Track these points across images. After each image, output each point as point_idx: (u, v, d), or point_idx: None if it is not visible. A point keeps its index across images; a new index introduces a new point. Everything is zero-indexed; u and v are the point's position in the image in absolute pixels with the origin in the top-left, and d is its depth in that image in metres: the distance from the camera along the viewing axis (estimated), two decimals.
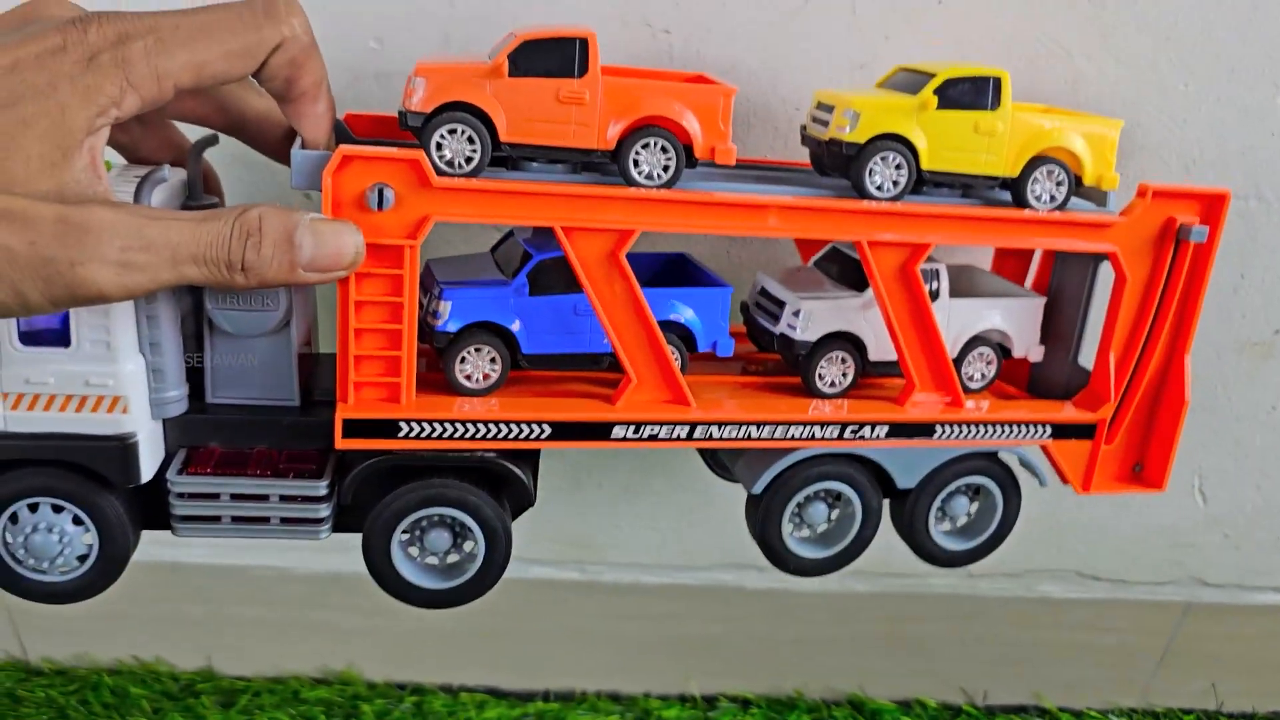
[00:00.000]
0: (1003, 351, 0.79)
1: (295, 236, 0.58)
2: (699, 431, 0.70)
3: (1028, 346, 0.79)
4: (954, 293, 0.76)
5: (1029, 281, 0.85)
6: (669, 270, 0.80)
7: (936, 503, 0.77)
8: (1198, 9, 0.83)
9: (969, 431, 0.74)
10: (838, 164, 0.72)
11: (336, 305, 0.63)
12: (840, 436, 0.72)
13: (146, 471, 0.63)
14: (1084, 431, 0.77)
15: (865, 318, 0.74)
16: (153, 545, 0.67)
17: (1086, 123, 0.74)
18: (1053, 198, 0.73)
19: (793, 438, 0.71)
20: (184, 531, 0.66)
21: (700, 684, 1.16)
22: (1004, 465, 0.78)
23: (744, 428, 0.70)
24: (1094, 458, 0.78)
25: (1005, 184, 0.73)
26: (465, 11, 0.82)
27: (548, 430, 0.67)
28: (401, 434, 0.65)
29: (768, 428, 0.71)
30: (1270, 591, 1.08)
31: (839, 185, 0.72)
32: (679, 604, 1.08)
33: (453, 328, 0.68)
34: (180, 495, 0.65)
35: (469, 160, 0.64)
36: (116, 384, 0.61)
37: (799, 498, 0.74)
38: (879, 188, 0.70)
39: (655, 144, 0.66)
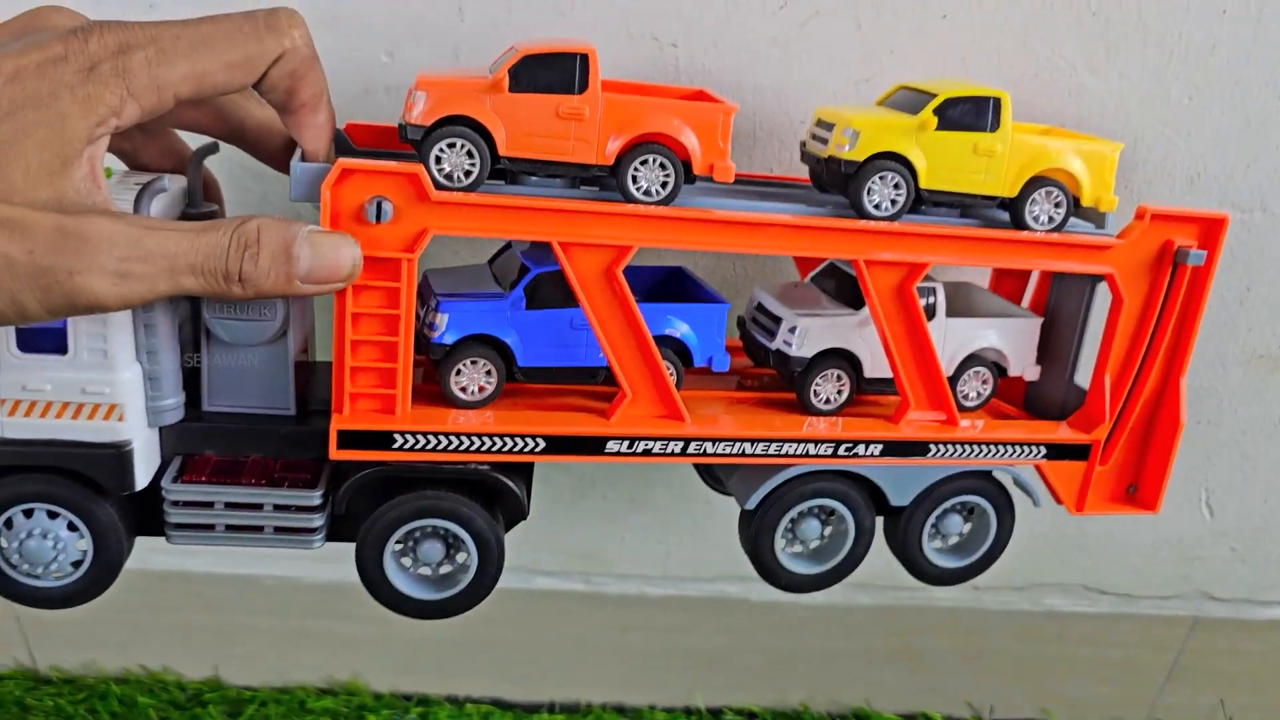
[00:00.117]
0: (998, 370, 0.79)
1: (293, 248, 0.58)
2: (693, 447, 0.70)
3: (1024, 366, 0.80)
4: (951, 311, 0.76)
5: (1027, 300, 0.85)
6: (666, 283, 0.80)
7: (930, 521, 0.77)
8: (1201, 23, 0.83)
9: (963, 451, 0.74)
10: (836, 182, 0.72)
11: (334, 316, 0.63)
12: (834, 454, 0.72)
13: (142, 479, 0.63)
14: (1078, 452, 0.77)
15: (861, 335, 0.74)
16: (161, 554, 0.67)
17: (1086, 144, 0.74)
18: (1051, 219, 0.73)
19: (787, 454, 0.72)
20: (178, 539, 0.66)
21: (705, 697, 1.15)
22: (998, 484, 0.78)
23: (738, 444, 0.71)
24: (1088, 478, 0.78)
25: (1004, 204, 0.73)
26: (475, 26, 0.82)
27: (542, 444, 0.67)
28: (396, 446, 0.65)
29: (761, 444, 0.71)
30: (1278, 606, 1.07)
31: (838, 203, 0.72)
32: (684, 616, 1.08)
33: (449, 340, 0.68)
34: (175, 503, 0.65)
35: (468, 174, 0.64)
36: (113, 392, 0.61)
37: (792, 514, 0.75)
38: (877, 206, 0.70)
39: (654, 160, 0.66)
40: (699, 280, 0.78)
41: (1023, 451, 0.76)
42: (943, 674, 1.13)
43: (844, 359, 0.75)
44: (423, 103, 0.63)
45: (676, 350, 0.72)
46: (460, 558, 0.70)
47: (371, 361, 0.64)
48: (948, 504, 0.77)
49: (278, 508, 0.66)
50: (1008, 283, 0.85)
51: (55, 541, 0.64)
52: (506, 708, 1.15)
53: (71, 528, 0.64)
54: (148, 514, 0.66)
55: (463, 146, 0.64)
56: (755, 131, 0.86)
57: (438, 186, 0.62)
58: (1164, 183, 0.89)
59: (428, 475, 0.67)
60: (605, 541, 1.04)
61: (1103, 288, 0.76)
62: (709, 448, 0.70)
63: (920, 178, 0.71)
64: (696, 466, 0.90)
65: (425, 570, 0.70)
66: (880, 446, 0.73)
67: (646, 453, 0.69)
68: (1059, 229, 0.73)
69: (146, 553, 0.68)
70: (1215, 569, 1.05)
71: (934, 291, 0.75)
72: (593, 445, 0.68)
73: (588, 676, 1.13)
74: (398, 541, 0.69)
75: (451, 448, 0.66)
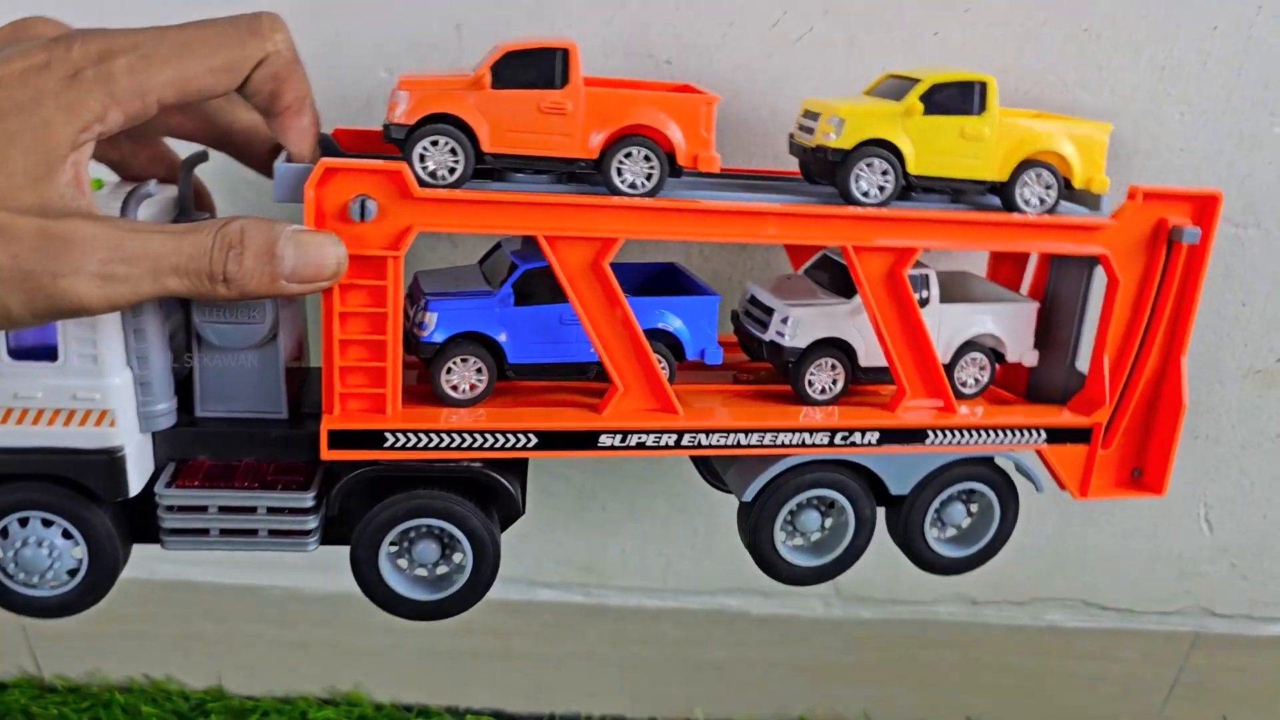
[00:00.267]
0: (996, 357, 0.78)
1: (277, 248, 0.58)
2: (687, 439, 0.69)
3: (1021, 351, 0.79)
4: (946, 298, 0.76)
5: (1025, 288, 0.84)
6: (658, 280, 0.80)
7: (931, 510, 0.77)
8: (1193, 38, 0.83)
9: (962, 437, 0.73)
10: (824, 171, 0.72)
11: (321, 317, 0.63)
12: (831, 443, 0.72)
13: (135, 485, 0.63)
14: (1079, 436, 0.76)
15: (855, 324, 0.74)
16: (165, 564, 0.68)
17: (1075, 126, 0.73)
18: (1042, 201, 0.72)
19: (783, 444, 0.71)
20: (173, 545, 0.66)
21: (705, 709, 1.15)
22: (1000, 471, 0.77)
23: (733, 435, 0.70)
24: (1090, 462, 0.77)
25: (994, 189, 0.72)
26: (472, 43, 0.83)
27: (534, 440, 0.67)
28: (387, 445, 0.65)
29: (757, 434, 0.70)
30: None
31: (826, 193, 0.72)
32: (684, 629, 1.08)
33: (439, 338, 0.68)
34: (169, 508, 0.65)
35: (452, 171, 0.64)
36: (104, 398, 0.61)
37: (791, 505, 0.74)
38: (865, 194, 0.70)
39: (638, 153, 0.66)
40: (691, 275, 0.78)
41: (1023, 436, 0.75)
42: (943, 688, 1.12)
43: (838, 348, 0.74)
44: (405, 102, 0.64)
45: (668, 344, 0.72)
46: (456, 558, 0.69)
47: (360, 361, 0.65)
48: (949, 492, 0.76)
49: (271, 510, 0.66)
50: (1005, 270, 0.85)
51: (50, 550, 0.64)
52: (507, 719, 1.15)
53: (66, 536, 0.64)
54: (143, 521, 0.67)
55: (446, 144, 0.64)
56: (750, 147, 0.86)
57: (421, 184, 0.63)
58: None
59: (420, 474, 0.67)
60: (605, 553, 1.04)
61: (1100, 272, 0.76)
62: (703, 439, 0.70)
63: (908, 164, 0.70)
64: (695, 463, 0.89)
65: (421, 571, 0.70)
66: (877, 434, 0.72)
67: (640, 446, 0.69)
68: (1051, 211, 0.72)
69: (150, 562, 0.68)
70: (1216, 584, 1.05)
71: (927, 278, 0.74)
72: (585, 440, 0.68)
73: (588, 688, 1.13)
74: (392, 543, 0.68)
75: (443, 445, 0.66)
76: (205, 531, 0.66)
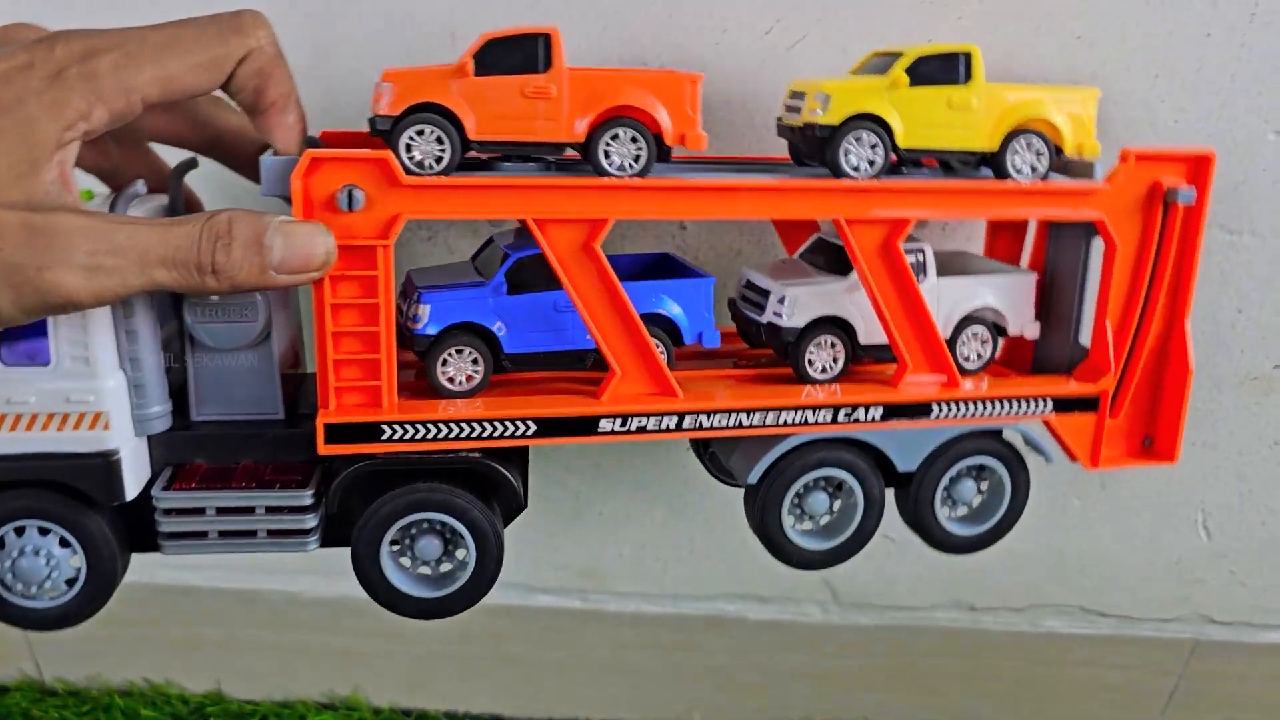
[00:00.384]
0: (998, 331, 0.77)
1: (265, 238, 0.58)
2: (688, 421, 0.69)
3: (1022, 324, 0.78)
4: (943, 274, 0.75)
5: (1024, 264, 0.84)
6: (653, 270, 0.79)
7: (941, 488, 0.75)
8: (1187, 45, 0.83)
9: (967, 409, 0.72)
10: (813, 149, 0.72)
11: (313, 310, 0.63)
12: (834, 420, 0.71)
13: (131, 489, 0.63)
14: (1087, 404, 0.75)
15: (853, 301, 0.73)
16: (165, 569, 0.67)
17: (1063, 93, 0.73)
18: (1034, 169, 0.72)
19: (785, 424, 0.70)
20: (171, 549, 0.65)
21: (703, 715, 1.14)
22: (1008, 444, 0.76)
23: (734, 415, 0.69)
24: (1100, 431, 0.76)
25: (985, 160, 0.72)
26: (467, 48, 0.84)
27: (533, 427, 0.66)
28: (384, 437, 0.65)
29: (759, 414, 0.69)
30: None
31: (817, 174, 0.72)
32: (681, 634, 1.08)
33: (432, 330, 0.68)
34: (166, 511, 0.64)
35: (439, 160, 0.64)
36: (97, 400, 0.61)
37: (797, 487, 0.73)
38: (855, 169, 0.69)
39: (625, 134, 0.66)
40: (686, 263, 0.78)
41: (1029, 406, 0.74)
42: (941, 695, 1.11)
43: (837, 326, 0.73)
44: (389, 93, 0.64)
45: (666, 329, 0.72)
46: (460, 554, 0.68)
47: (354, 353, 0.64)
48: (959, 468, 0.75)
49: (270, 510, 0.65)
50: (1002, 245, 0.84)
51: (48, 559, 0.63)
52: None
53: (64, 544, 0.63)
54: (141, 529, 0.66)
55: (432, 133, 0.64)
56: (746, 151, 0.86)
57: (408, 173, 0.62)
58: None
59: (419, 467, 0.66)
60: (603, 559, 1.04)
61: (1099, 244, 0.75)
62: (704, 421, 0.69)
63: (897, 137, 0.70)
64: (700, 456, 0.88)
65: (424, 569, 0.69)
66: (881, 410, 0.71)
67: (641, 430, 0.68)
68: (1044, 179, 0.72)
69: (150, 567, 0.67)
70: (1215, 592, 1.04)
71: (922, 252, 0.74)
72: (585, 425, 0.67)
73: (586, 693, 1.12)
74: (393, 542, 0.67)
75: (441, 436, 0.65)
76: (204, 534, 0.65)
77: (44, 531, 0.63)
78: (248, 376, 0.66)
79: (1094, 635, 1.07)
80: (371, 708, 1.15)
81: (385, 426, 0.64)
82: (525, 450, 0.74)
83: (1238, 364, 0.93)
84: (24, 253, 0.52)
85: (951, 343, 0.75)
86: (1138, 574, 1.03)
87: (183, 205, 0.67)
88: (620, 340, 0.67)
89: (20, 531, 0.63)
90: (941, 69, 0.71)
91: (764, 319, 0.74)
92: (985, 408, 0.73)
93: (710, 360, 0.79)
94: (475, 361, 0.68)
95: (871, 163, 0.69)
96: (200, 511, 0.64)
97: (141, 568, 0.67)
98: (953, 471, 0.75)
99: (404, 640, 1.08)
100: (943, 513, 0.77)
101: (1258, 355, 0.93)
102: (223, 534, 0.65)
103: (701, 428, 0.69)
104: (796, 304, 0.72)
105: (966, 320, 0.76)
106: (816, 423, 0.71)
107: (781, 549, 0.74)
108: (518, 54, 0.64)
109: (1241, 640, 1.06)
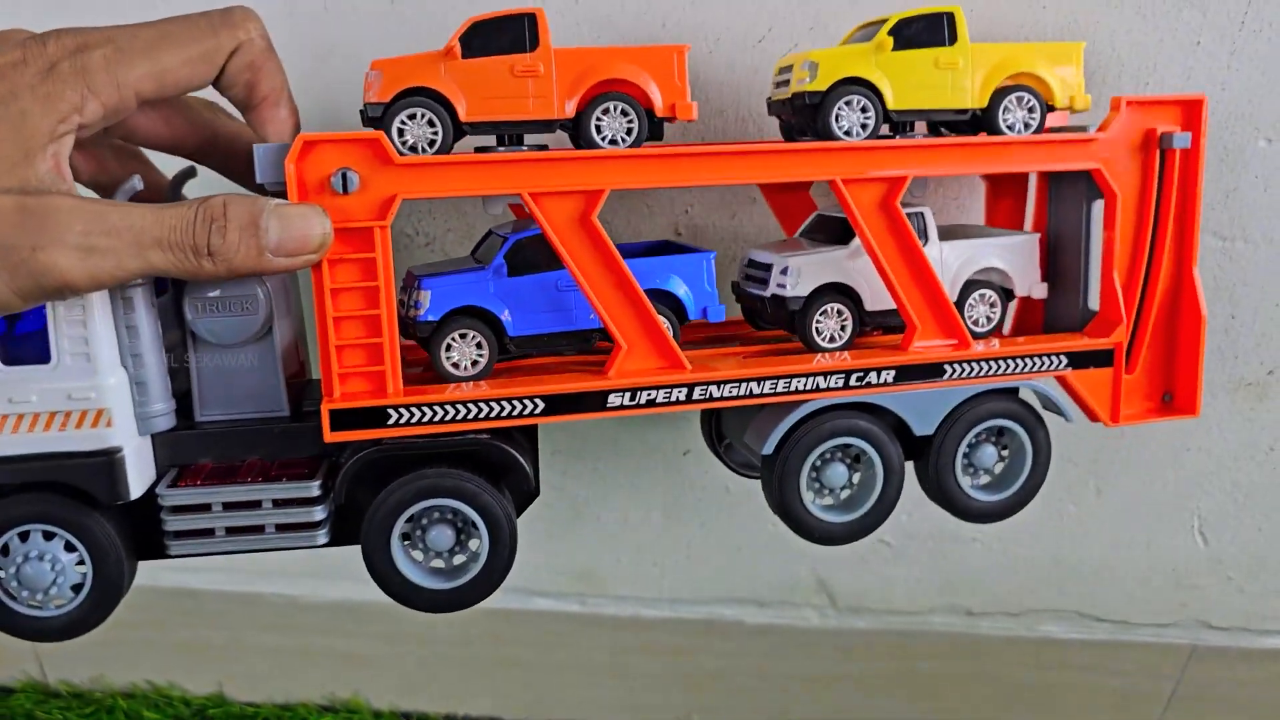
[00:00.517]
0: (1005, 295, 0.76)
1: (261, 221, 0.58)
2: (698, 392, 0.67)
3: (1029, 285, 0.77)
4: (945, 240, 0.75)
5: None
6: (653, 255, 0.79)
7: (960, 454, 0.74)
8: (1177, 55, 0.84)
9: (981, 368, 0.71)
10: (804, 119, 0.72)
11: (313, 296, 0.62)
12: (846, 385, 0.69)
13: (135, 488, 0.62)
14: (1102, 359, 0.74)
15: (856, 267, 0.73)
16: (168, 572, 0.66)
17: (1048, 48, 0.73)
18: (1026, 124, 0.72)
19: (796, 390, 0.69)
20: (177, 549, 0.64)
21: (701, 718, 1.13)
22: (1025, 404, 0.75)
23: (744, 384, 0.68)
24: (1118, 386, 0.74)
25: (976, 120, 0.72)
26: None
27: (541, 405, 0.65)
28: (391, 421, 0.64)
29: (769, 381, 0.68)
30: (1277, 636, 1.04)
31: None
32: (679, 638, 1.07)
33: (434, 316, 0.67)
34: (172, 509, 0.63)
35: (431, 143, 0.64)
36: (99, 396, 0.60)
37: (814, 459, 0.71)
38: (847, 133, 0.69)
39: (615, 109, 0.66)
40: (686, 245, 0.77)
41: (1044, 362, 0.72)
42: (938, 699, 1.10)
43: (842, 293, 0.73)
44: (379, 81, 0.64)
45: (670, 306, 0.71)
46: (472, 545, 0.67)
47: (356, 338, 0.63)
48: (976, 431, 0.73)
49: (277, 503, 0.64)
50: (1003, 210, 0.84)
51: (53, 563, 0.62)
52: None
53: (69, 548, 0.62)
54: (147, 534, 0.64)
55: (423, 116, 0.64)
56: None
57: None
58: None
59: (427, 452, 0.65)
60: (601, 563, 1.04)
61: (1100, 206, 0.75)
62: (714, 391, 0.68)
63: (886, 100, 0.70)
64: (715, 450, 0.87)
65: (438, 562, 0.67)
66: (893, 372, 0.70)
67: (650, 403, 0.67)
68: (1036, 134, 0.72)
69: (154, 570, 0.66)
70: (1212, 597, 1.03)
71: (922, 215, 0.73)
72: (594, 401, 0.66)
73: (584, 697, 1.12)
74: (404, 535, 0.66)
75: (449, 418, 0.64)
76: (210, 532, 0.64)
77: (48, 536, 0.62)
78: (250, 374, 0.66)
79: (1091, 640, 1.06)
80: (372, 710, 1.15)
81: (391, 410, 0.63)
82: (535, 435, 0.72)
83: (1232, 370, 0.93)
84: (17, 234, 0.52)
85: (959, 307, 0.74)
86: (1134, 579, 1.03)
87: None
88: (625, 314, 0.67)
89: (25, 537, 0.62)
90: (926, 30, 0.71)
91: (768, 292, 0.73)
92: (999, 365, 0.72)
93: (715, 345, 0.78)
94: (479, 346, 0.68)
95: (864, 126, 0.69)
96: (206, 508, 0.63)
97: (145, 571, 0.65)
98: (971, 436, 0.74)
99: (404, 644, 1.08)
100: (965, 481, 0.75)
101: (1252, 361, 0.92)
102: (230, 530, 0.64)
103: (711, 398, 0.68)
104: (800, 273, 0.72)
105: (973, 284, 0.75)
106: (829, 388, 0.69)
107: (803, 523, 0.72)
108: (505, 35, 0.65)
109: (1239, 646, 1.05)
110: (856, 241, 0.72)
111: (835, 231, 0.76)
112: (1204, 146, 0.73)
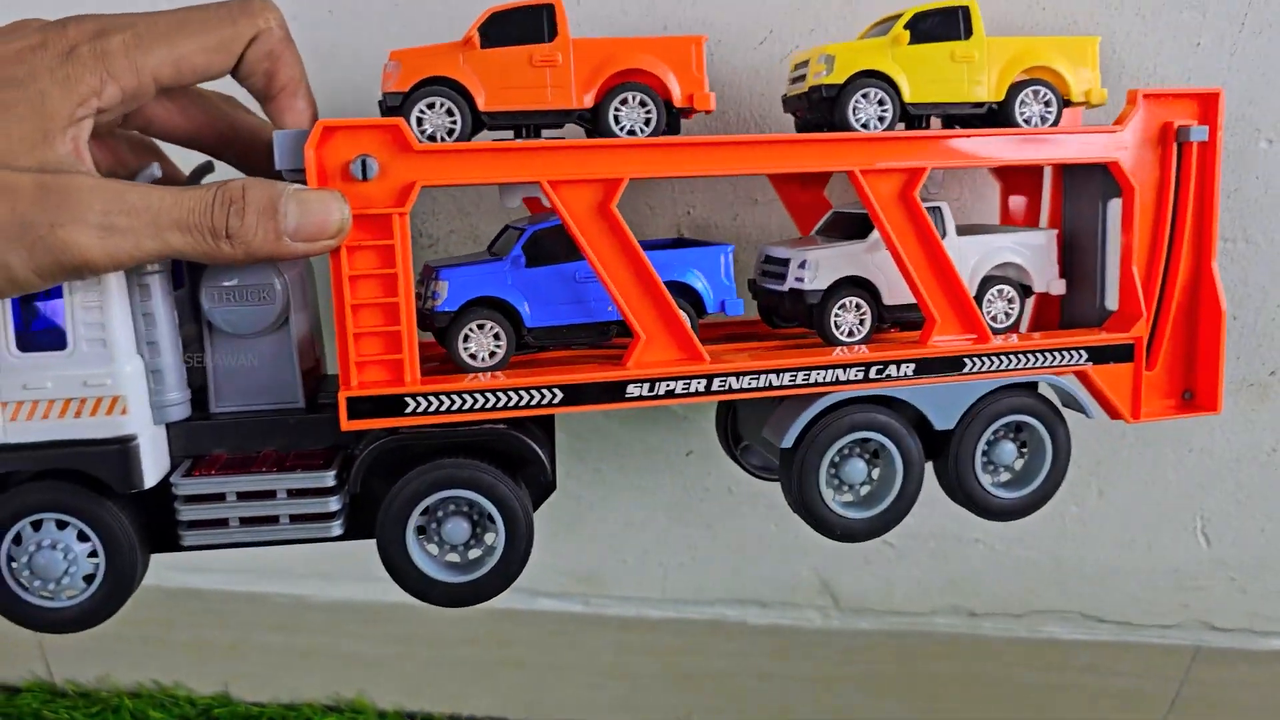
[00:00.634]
0: (1023, 290, 0.76)
1: (279, 205, 0.58)
2: (716, 384, 0.67)
3: (1048, 280, 0.77)
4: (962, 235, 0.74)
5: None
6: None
7: (980, 450, 0.73)
8: (1176, 56, 0.84)
9: (1001, 362, 0.71)
10: (821, 114, 0.72)
11: (331, 284, 0.62)
12: (866, 378, 0.69)
13: (150, 477, 0.61)
14: (1122, 354, 0.73)
15: (874, 261, 0.72)
16: (175, 572, 0.66)
17: (1064, 42, 0.73)
18: (1043, 118, 0.72)
19: (816, 383, 0.68)
20: (191, 539, 0.63)
21: (703, 718, 1.13)
22: (1044, 399, 0.74)
23: (764, 376, 0.67)
24: (1138, 381, 0.74)
25: (992, 114, 0.72)
26: None
27: (559, 394, 0.65)
28: (409, 410, 0.63)
29: (788, 374, 0.68)
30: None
31: None
32: (682, 639, 1.07)
33: (451, 306, 0.67)
34: (186, 499, 0.62)
35: (450, 132, 0.64)
36: (115, 383, 0.60)
37: (833, 454, 0.70)
38: (864, 125, 0.69)
39: (634, 99, 0.66)
40: (701, 241, 0.77)
41: (1064, 357, 0.72)
42: (941, 700, 1.09)
43: (860, 287, 0.72)
44: (398, 71, 0.64)
45: (689, 299, 0.71)
46: (488, 538, 0.66)
47: (374, 326, 0.63)
48: (996, 427, 0.73)
49: (292, 493, 0.63)
50: (1016, 213, 0.83)
51: (66, 552, 0.61)
52: None
53: (82, 538, 0.61)
54: (161, 525, 0.64)
55: (442, 105, 0.64)
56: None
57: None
58: None
59: (443, 442, 0.64)
60: (605, 564, 1.04)
61: (1116, 204, 0.74)
62: (733, 383, 0.67)
63: (904, 94, 0.70)
64: (731, 453, 0.86)
65: (453, 556, 0.66)
66: (913, 365, 0.69)
67: (669, 394, 0.66)
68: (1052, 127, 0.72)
69: (161, 570, 0.65)
70: (1215, 598, 1.02)
71: (939, 210, 0.73)
72: (612, 391, 0.66)
73: (587, 697, 1.12)
74: (419, 529, 0.65)
75: (466, 407, 0.63)
76: (225, 523, 0.63)
77: (61, 525, 0.61)
78: (266, 365, 0.65)
79: (1094, 641, 1.05)
80: (376, 710, 1.15)
81: (409, 399, 0.63)
82: (552, 428, 0.72)
83: (1234, 370, 0.92)
84: (37, 210, 0.52)
85: (977, 302, 0.73)
86: (1137, 580, 1.02)
87: None
88: (643, 304, 0.66)
89: (37, 525, 0.61)
90: (941, 24, 0.71)
91: (786, 286, 0.73)
92: (1019, 359, 0.71)
93: (731, 342, 0.78)
94: (497, 336, 0.67)
95: (881, 119, 0.69)
96: (221, 498, 0.63)
97: (151, 570, 0.65)
98: (990, 433, 0.73)
99: (408, 644, 1.07)
100: (985, 479, 0.74)
101: (1254, 362, 0.92)
102: (244, 521, 0.63)
103: (730, 390, 0.67)
104: (818, 266, 0.72)
105: (991, 279, 0.75)
106: (848, 381, 0.69)
107: (823, 520, 0.71)
108: (523, 25, 0.65)
109: (1242, 647, 1.04)
110: (875, 235, 0.71)
111: (852, 228, 0.75)
112: (1221, 140, 0.73)
